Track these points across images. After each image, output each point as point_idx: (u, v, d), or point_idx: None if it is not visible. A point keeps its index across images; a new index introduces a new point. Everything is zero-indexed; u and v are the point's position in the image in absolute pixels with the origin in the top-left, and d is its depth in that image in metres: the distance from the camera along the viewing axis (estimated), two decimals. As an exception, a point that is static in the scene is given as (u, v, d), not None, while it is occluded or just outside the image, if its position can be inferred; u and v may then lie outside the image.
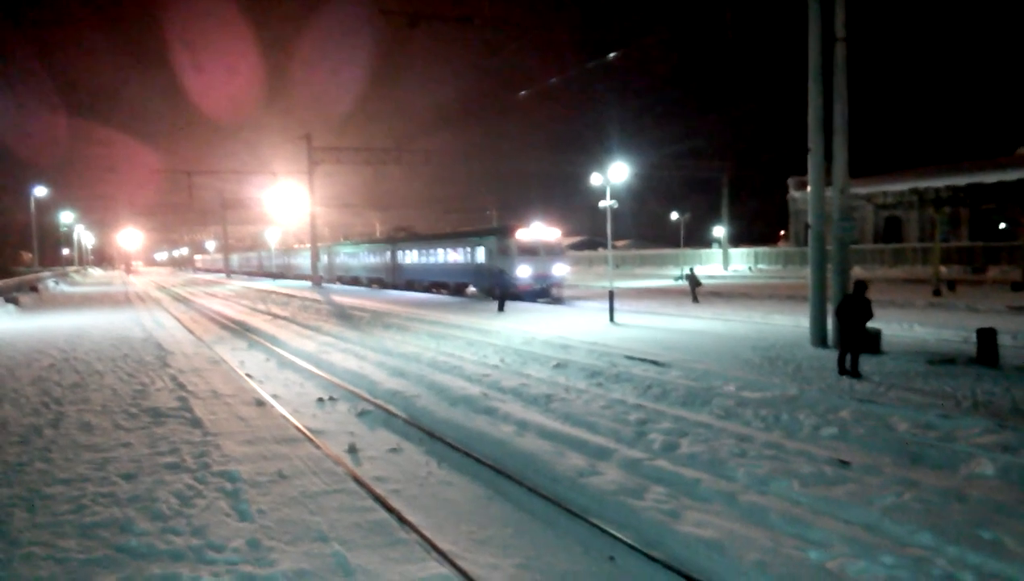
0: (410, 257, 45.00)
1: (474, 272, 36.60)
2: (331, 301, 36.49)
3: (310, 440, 9.83)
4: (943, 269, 32.91)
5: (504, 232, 34.32)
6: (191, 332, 24.04)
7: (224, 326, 27.61)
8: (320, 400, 13.38)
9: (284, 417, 11.26)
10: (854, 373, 12.53)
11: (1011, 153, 41.91)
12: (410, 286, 44.63)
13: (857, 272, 25.29)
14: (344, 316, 28.11)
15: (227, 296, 45.94)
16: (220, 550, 6.18)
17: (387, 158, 53.92)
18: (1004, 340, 13.94)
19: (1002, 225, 39.14)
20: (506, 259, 32.93)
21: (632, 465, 8.63)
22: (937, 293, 29.38)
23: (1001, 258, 34.82)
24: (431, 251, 42.22)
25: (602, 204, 25.63)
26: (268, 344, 21.40)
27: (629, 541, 6.76)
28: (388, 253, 48.14)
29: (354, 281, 55.38)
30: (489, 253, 34.63)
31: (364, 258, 53.78)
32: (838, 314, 13.28)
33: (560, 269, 34.29)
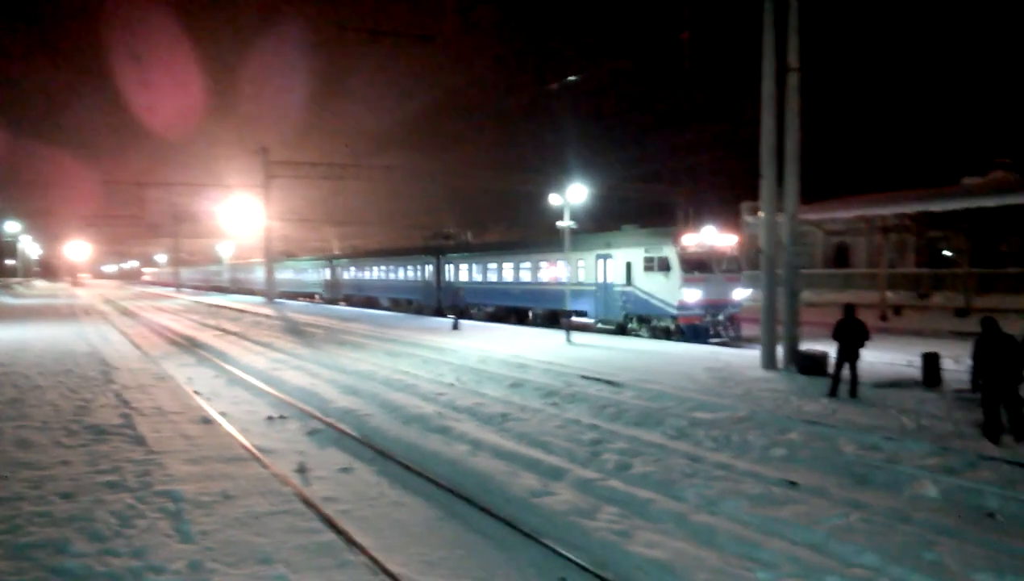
0: (467, 273, 34.40)
1: (598, 296, 25.60)
2: (284, 317, 35.95)
3: (257, 459, 9.60)
4: (890, 294, 33.80)
5: (658, 237, 23.58)
6: (138, 347, 23.41)
7: (172, 341, 26.96)
8: (270, 418, 13.11)
9: (231, 435, 10.99)
10: (852, 394, 12.64)
11: (956, 183, 43.44)
12: (465, 313, 33.29)
13: (807, 296, 25.87)
14: (297, 332, 27.69)
15: (176, 310, 44.94)
16: (160, 572, 5.98)
17: (345, 173, 53.52)
18: (947, 364, 14.32)
19: (947, 253, 40.42)
20: (661, 279, 22.66)
21: (585, 485, 8.62)
22: (884, 318, 30.14)
23: (946, 285, 35.93)
24: (509, 266, 31.10)
25: (560, 224, 25.44)
26: (217, 360, 20.95)
27: (581, 562, 6.73)
28: (429, 267, 37.67)
29: (367, 302, 45.70)
30: (627, 269, 23.93)
31: (389, 274, 43.22)
32: (835, 337, 13.17)
33: (740, 293, 23.46)
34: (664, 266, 22.65)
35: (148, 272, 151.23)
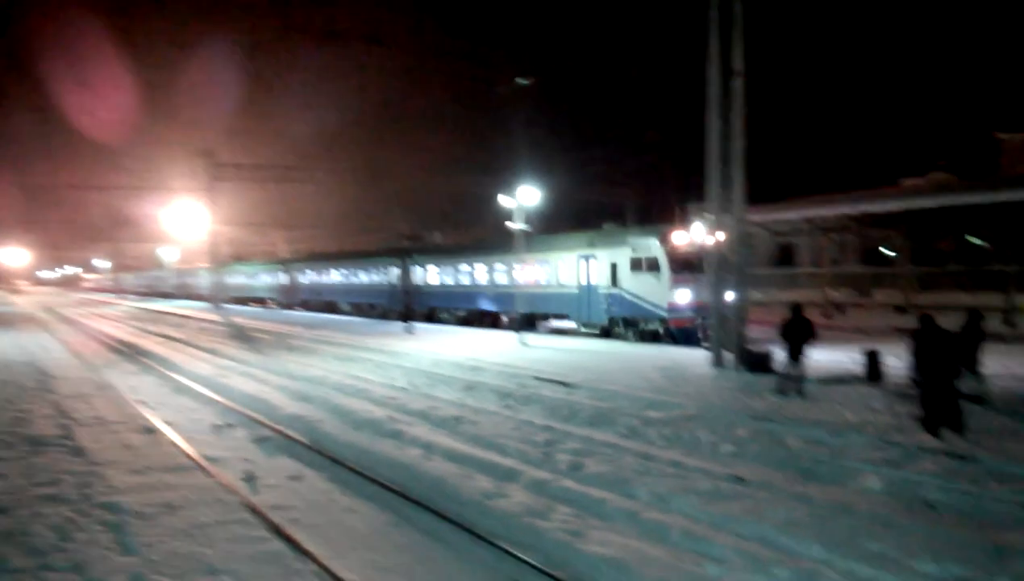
0: (434, 276, 33.37)
1: (581, 299, 24.40)
2: (231, 323, 35.26)
3: (203, 469, 9.37)
4: (833, 293, 34.67)
5: (646, 237, 22.45)
6: (78, 356, 22.68)
7: (114, 349, 26.19)
8: (216, 426, 12.80)
9: (175, 445, 10.71)
10: (798, 390, 12.90)
11: (895, 184, 44.82)
12: (434, 316, 33.32)
13: (754, 295, 26.38)
14: (245, 338, 27.18)
15: (119, 317, 43.71)
16: (100, 587, 5.78)
17: (293, 176, 52.64)
18: (889, 360, 14.72)
19: (888, 252, 41.69)
20: (650, 280, 21.62)
21: (539, 486, 8.62)
22: (828, 316, 30.91)
23: (887, 283, 37.02)
24: (482, 267, 29.86)
25: (512, 226, 25.38)
26: (161, 368, 20.41)
27: (534, 563, 6.72)
28: (395, 270, 35.86)
29: (327, 307, 44.16)
30: (613, 270, 22.89)
31: (351, 277, 41.50)
32: (783, 336, 13.52)
33: (731, 294, 20.92)
34: (653, 266, 21.58)
35: (90, 278, 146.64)
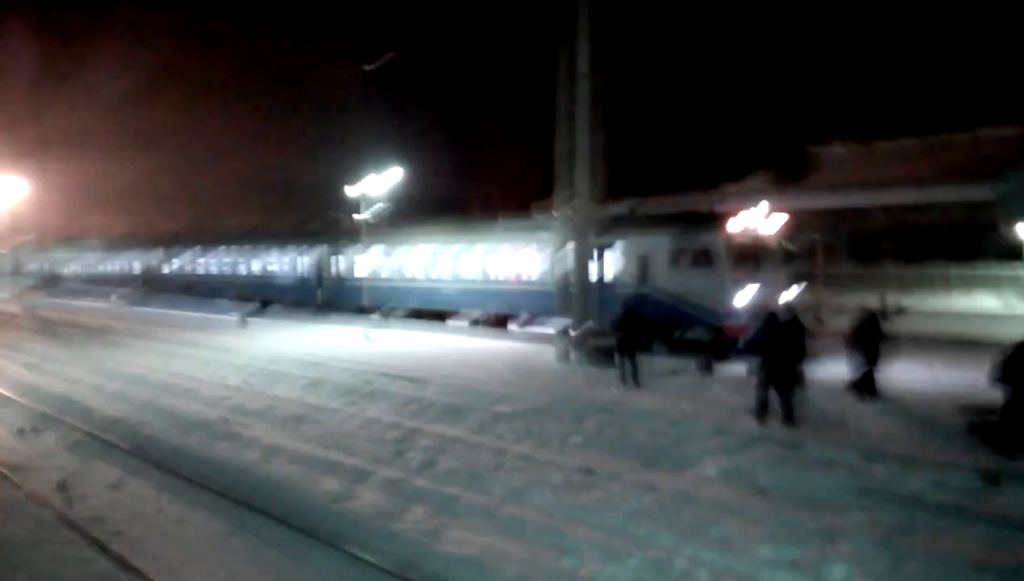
0: (371, 266, 26.82)
1: (612, 295, 18.16)
2: (37, 315, 31.80)
3: (6, 478, 8.28)
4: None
5: (693, 223, 18.34)
6: None
7: None
8: (21, 431, 11.40)
9: (-30, 453, 9.41)
10: (636, 382, 13.31)
11: (717, 187, 48.16)
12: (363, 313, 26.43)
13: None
14: (52, 333, 24.58)
15: None
16: None
17: (119, 155, 48.32)
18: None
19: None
20: (699, 276, 17.33)
21: (390, 486, 8.34)
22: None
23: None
24: (440, 256, 24.35)
25: (357, 217, 24.60)
26: (-48, 367, 18.00)
27: (386, 567, 6.44)
28: (305, 259, 30.33)
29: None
30: (642, 264, 18.43)
31: (239, 266, 34.69)
32: (617, 329, 13.91)
33: (789, 294, 17.76)
34: (704, 260, 17.47)
35: None
